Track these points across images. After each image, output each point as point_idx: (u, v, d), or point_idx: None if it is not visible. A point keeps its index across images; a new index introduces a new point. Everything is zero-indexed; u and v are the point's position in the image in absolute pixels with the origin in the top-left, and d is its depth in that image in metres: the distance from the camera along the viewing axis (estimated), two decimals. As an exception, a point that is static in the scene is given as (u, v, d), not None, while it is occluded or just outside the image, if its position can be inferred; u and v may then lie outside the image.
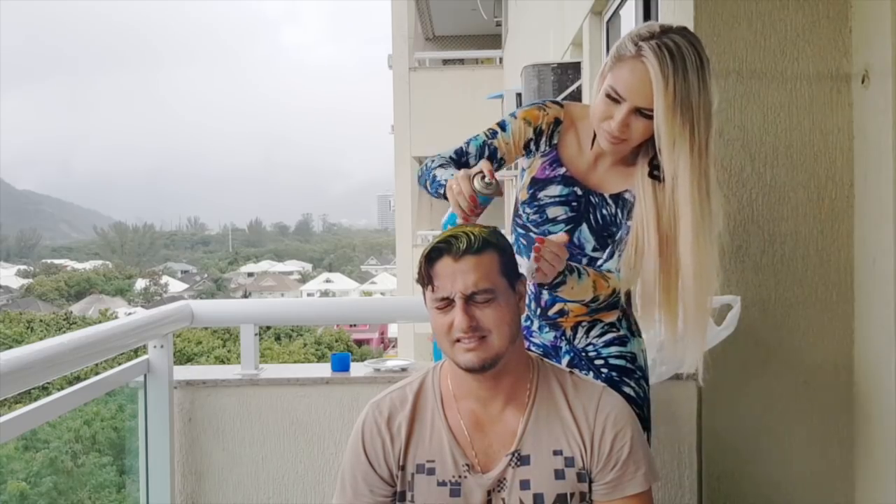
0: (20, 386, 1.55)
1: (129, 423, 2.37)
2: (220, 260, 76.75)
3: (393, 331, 32.16)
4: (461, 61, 14.49)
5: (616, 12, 3.77)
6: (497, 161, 1.67)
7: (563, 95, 4.54)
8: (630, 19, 3.26)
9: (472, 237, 1.31)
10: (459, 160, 1.67)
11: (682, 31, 1.48)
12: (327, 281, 58.15)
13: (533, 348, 1.72)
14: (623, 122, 1.49)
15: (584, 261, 1.64)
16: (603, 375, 1.66)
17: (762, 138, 2.06)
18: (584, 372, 1.69)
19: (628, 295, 1.68)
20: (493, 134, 1.68)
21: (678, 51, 1.44)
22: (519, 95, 5.56)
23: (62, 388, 1.87)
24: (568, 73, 4.54)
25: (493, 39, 13.48)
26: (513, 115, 1.69)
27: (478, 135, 1.71)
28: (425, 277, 1.33)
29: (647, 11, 2.97)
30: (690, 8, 2.03)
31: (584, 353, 1.69)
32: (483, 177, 1.42)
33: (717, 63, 2.04)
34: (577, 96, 4.49)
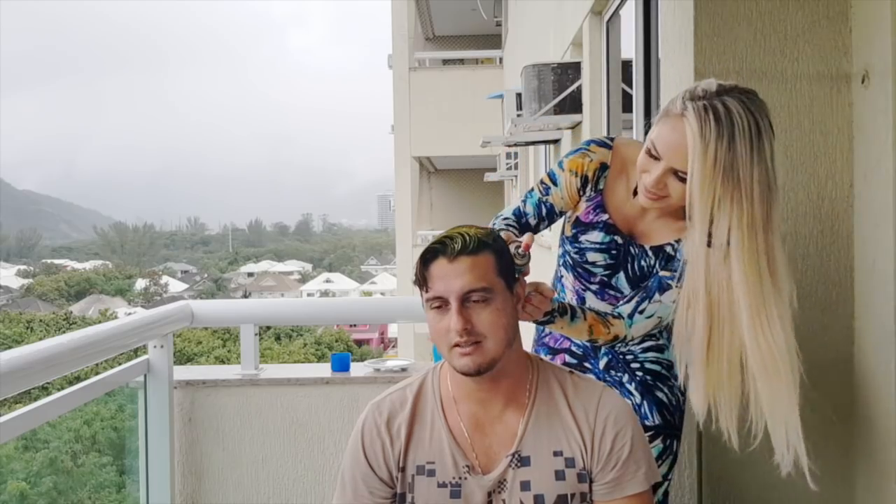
0: (20, 386, 1.55)
1: (129, 423, 2.37)
2: (220, 260, 76.82)
3: (393, 331, 32.18)
4: (461, 61, 14.50)
5: (616, 12, 3.77)
6: (557, 215, 1.68)
7: (562, 95, 4.54)
8: (630, 19, 3.26)
9: (468, 238, 1.31)
10: (519, 221, 1.68)
11: (743, 94, 1.38)
12: (327, 281, 58.21)
13: (574, 348, 1.74)
14: (658, 181, 1.43)
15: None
16: (637, 378, 1.66)
17: (762, 138, 2.05)
18: (619, 374, 1.70)
19: None
20: (547, 190, 1.66)
21: (727, 115, 1.34)
22: (519, 95, 5.56)
23: (62, 388, 1.87)
24: (568, 73, 4.54)
25: (493, 39, 13.49)
26: (560, 164, 1.66)
27: (532, 190, 1.70)
28: (421, 279, 1.33)
29: (647, 11, 2.97)
30: (690, 8, 2.03)
31: (621, 356, 1.69)
32: (518, 247, 1.42)
33: (717, 63, 2.04)
34: (577, 96, 4.49)
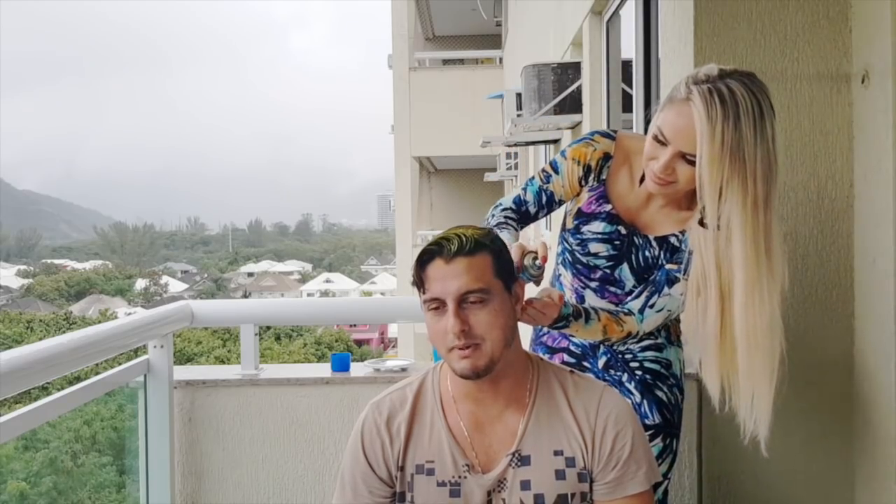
0: (20, 386, 1.55)
1: (129, 423, 2.37)
2: (220, 260, 76.86)
3: (393, 331, 32.18)
4: (461, 61, 14.50)
5: (616, 12, 3.77)
6: (556, 203, 1.69)
7: (562, 95, 4.54)
8: (630, 19, 3.26)
9: (464, 238, 1.30)
10: (520, 209, 1.69)
11: (745, 76, 1.41)
12: (327, 281, 58.23)
13: (572, 347, 1.74)
14: (666, 166, 1.44)
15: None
16: (637, 377, 1.67)
17: (762, 138, 2.05)
18: (618, 373, 1.70)
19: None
20: (548, 178, 1.67)
21: (731, 97, 1.37)
22: (519, 95, 5.56)
23: (62, 388, 1.87)
24: (568, 73, 4.54)
25: (493, 39, 13.50)
26: (563, 153, 1.67)
27: (533, 178, 1.70)
28: (418, 280, 1.33)
29: (647, 11, 2.97)
30: (690, 8, 2.03)
31: (620, 356, 1.69)
32: (535, 258, 1.41)
33: (717, 63, 2.04)
34: (577, 96, 4.49)
